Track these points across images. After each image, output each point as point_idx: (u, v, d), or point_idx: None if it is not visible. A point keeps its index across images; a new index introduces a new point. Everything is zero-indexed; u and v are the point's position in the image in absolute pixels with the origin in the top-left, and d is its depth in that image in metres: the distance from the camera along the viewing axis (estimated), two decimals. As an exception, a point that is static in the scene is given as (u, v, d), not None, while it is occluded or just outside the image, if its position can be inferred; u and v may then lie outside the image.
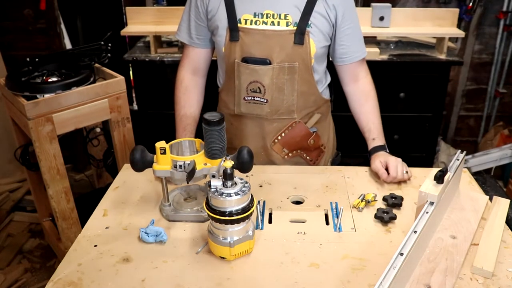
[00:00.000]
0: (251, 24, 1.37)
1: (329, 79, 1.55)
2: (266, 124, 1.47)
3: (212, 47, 1.52)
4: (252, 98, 1.43)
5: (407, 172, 1.35)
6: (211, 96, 1.61)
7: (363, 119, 1.49)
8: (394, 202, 1.22)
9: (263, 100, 1.42)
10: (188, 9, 1.47)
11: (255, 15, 1.36)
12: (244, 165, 1.12)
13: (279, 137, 1.49)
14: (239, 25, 1.36)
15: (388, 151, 1.43)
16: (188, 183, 1.10)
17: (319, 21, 1.37)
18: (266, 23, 1.36)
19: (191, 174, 1.07)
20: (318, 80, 1.47)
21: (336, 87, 1.57)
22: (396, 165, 1.34)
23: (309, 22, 1.35)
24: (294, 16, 1.35)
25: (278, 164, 1.51)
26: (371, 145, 1.45)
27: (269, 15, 1.36)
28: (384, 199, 1.24)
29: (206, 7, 1.41)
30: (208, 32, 1.46)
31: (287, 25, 1.36)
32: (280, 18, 1.36)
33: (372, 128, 1.47)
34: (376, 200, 1.25)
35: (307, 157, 1.55)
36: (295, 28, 1.35)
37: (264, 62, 1.37)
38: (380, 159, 1.38)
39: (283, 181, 1.36)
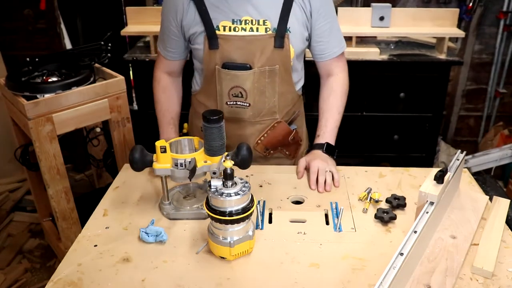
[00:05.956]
0: (230, 31, 1.35)
1: (303, 77, 1.55)
2: (248, 126, 1.47)
3: (186, 55, 1.51)
4: (235, 103, 1.42)
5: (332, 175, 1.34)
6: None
7: (320, 114, 1.50)
8: (399, 203, 1.21)
9: (245, 104, 1.42)
10: (162, 22, 1.45)
11: (233, 21, 1.35)
12: (244, 162, 1.13)
13: (262, 138, 1.49)
14: (217, 32, 1.35)
15: (324, 151, 1.42)
16: (190, 180, 1.11)
17: (297, 23, 1.37)
18: (245, 29, 1.35)
19: (193, 171, 1.07)
20: (296, 81, 1.49)
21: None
22: (317, 168, 1.35)
23: (288, 27, 1.35)
24: (272, 22, 1.35)
25: (261, 162, 1.52)
26: (315, 141, 1.48)
27: (247, 21, 1.35)
28: (388, 201, 1.23)
29: (180, 22, 1.39)
30: (183, 44, 1.45)
31: (266, 31, 1.35)
32: (258, 24, 1.35)
33: (323, 124, 1.48)
34: (381, 200, 1.25)
35: (286, 152, 1.57)
36: (274, 33, 1.35)
37: (245, 67, 1.36)
38: (307, 158, 1.40)
39: (283, 181, 1.37)
